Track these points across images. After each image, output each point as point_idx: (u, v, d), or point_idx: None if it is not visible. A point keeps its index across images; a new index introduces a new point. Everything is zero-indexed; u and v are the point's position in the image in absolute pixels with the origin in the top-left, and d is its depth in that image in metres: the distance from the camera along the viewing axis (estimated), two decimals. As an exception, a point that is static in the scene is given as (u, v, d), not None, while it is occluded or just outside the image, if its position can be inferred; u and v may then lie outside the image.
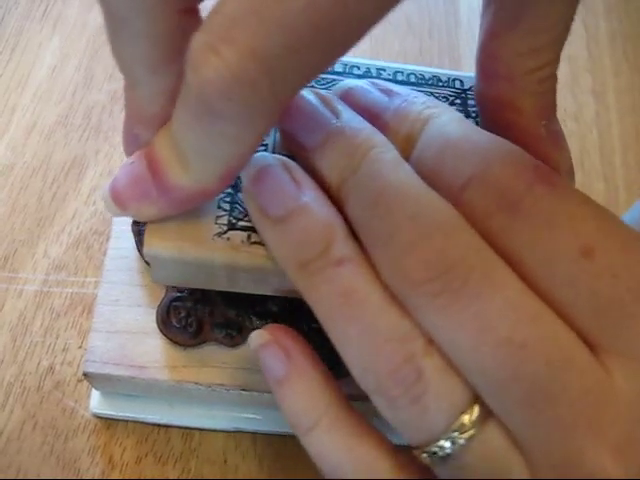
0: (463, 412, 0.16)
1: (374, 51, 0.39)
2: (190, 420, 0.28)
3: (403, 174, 0.17)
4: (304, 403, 0.19)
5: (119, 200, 0.19)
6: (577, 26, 0.41)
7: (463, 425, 0.16)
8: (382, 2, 0.14)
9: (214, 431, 0.28)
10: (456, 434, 0.16)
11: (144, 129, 0.18)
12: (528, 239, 0.16)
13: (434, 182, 0.17)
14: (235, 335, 0.25)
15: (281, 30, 0.13)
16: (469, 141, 0.18)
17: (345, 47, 0.15)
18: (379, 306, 0.17)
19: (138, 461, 0.27)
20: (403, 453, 0.18)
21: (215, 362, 0.25)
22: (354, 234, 0.18)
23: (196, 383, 0.25)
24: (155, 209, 0.18)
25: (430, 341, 0.16)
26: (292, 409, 0.19)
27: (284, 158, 0.19)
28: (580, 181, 0.36)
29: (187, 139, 0.16)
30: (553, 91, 0.20)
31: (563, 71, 0.39)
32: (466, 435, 0.16)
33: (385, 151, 0.18)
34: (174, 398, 0.27)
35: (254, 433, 0.28)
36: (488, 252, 0.16)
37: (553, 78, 0.20)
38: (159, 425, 0.28)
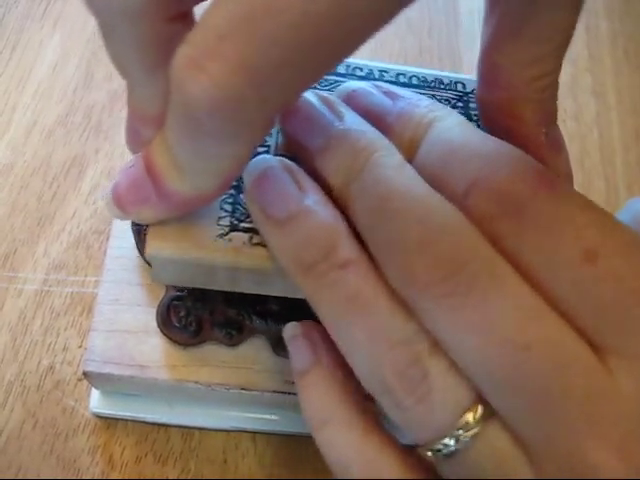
0: (467, 411, 0.16)
1: (374, 51, 0.39)
2: (190, 419, 0.28)
3: (407, 177, 0.17)
4: (320, 398, 0.19)
5: (120, 204, 0.19)
6: (577, 26, 0.40)
7: (467, 423, 0.16)
8: (375, 19, 0.14)
9: (214, 430, 0.28)
10: (460, 432, 0.16)
11: (145, 127, 0.18)
12: (532, 243, 0.16)
13: (438, 186, 0.17)
14: (235, 334, 0.25)
15: (272, 45, 0.13)
16: (473, 145, 0.18)
17: (336, 62, 0.15)
18: (385, 309, 0.17)
19: (138, 461, 0.27)
20: (412, 455, 0.18)
21: (215, 361, 0.25)
22: (358, 237, 0.18)
23: (196, 382, 0.25)
24: (155, 213, 0.19)
25: (435, 342, 0.17)
26: (308, 402, 0.19)
27: (286, 160, 0.19)
28: (580, 181, 0.36)
29: (179, 151, 0.16)
30: (554, 98, 0.20)
31: (563, 71, 0.38)
32: (470, 433, 0.16)
33: (388, 154, 0.18)
34: (174, 397, 0.27)
35: (254, 433, 0.28)
36: (495, 255, 0.16)
37: (554, 86, 0.20)
38: (159, 424, 0.28)
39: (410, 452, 0.18)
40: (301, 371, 0.20)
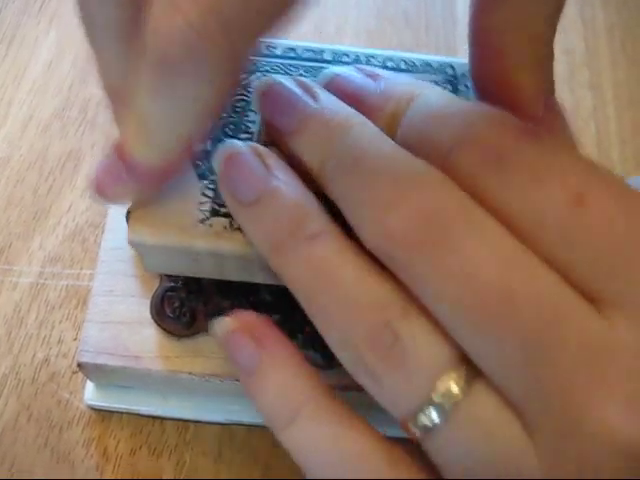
0: (448, 373, 0.15)
1: (370, 45, 0.39)
2: (185, 412, 0.27)
3: (382, 143, 0.17)
4: (281, 395, 0.18)
5: (99, 189, 0.19)
6: (574, 19, 0.40)
7: (449, 388, 0.15)
8: None
9: (209, 423, 0.28)
10: (443, 399, 0.15)
11: (120, 106, 0.18)
12: (516, 193, 0.16)
13: (421, 152, 0.17)
14: (229, 325, 0.25)
15: None
16: (454, 108, 0.18)
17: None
18: (354, 275, 0.17)
19: (132, 453, 0.27)
20: (393, 444, 0.17)
21: (209, 352, 0.25)
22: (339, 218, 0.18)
23: (190, 373, 0.25)
24: (127, 190, 0.19)
25: (409, 304, 0.16)
26: (267, 402, 0.18)
27: (255, 144, 0.19)
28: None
29: (147, 105, 0.17)
30: (550, 68, 0.20)
31: (560, 65, 0.39)
32: (453, 399, 0.15)
33: (363, 129, 0.18)
34: (168, 389, 0.27)
35: (249, 425, 0.28)
36: (472, 204, 0.16)
37: (549, 55, 0.19)
38: (154, 417, 0.28)
39: (393, 442, 0.17)
40: (249, 370, 0.18)
